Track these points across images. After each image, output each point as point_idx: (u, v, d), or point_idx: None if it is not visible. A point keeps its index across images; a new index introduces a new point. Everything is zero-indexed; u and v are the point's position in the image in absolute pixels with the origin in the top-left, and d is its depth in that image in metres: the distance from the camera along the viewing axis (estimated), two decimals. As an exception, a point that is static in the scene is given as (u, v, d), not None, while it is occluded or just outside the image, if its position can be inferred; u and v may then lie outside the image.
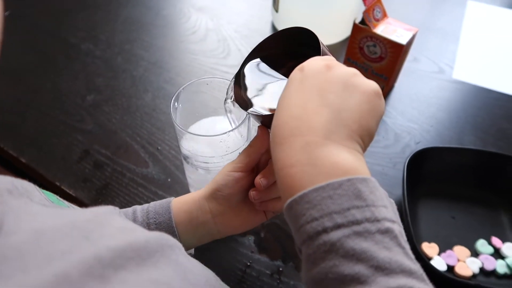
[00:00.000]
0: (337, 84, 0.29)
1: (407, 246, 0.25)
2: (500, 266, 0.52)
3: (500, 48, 0.85)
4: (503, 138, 0.69)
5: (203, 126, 0.51)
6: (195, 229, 0.42)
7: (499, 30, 0.89)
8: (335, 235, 0.24)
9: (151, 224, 0.42)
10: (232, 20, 0.88)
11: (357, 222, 0.24)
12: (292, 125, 0.28)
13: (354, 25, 0.67)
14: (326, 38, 0.78)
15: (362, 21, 0.67)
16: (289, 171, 0.27)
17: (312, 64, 0.31)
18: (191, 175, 0.52)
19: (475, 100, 0.76)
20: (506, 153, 0.59)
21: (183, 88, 0.46)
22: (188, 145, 0.45)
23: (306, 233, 0.25)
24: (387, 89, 0.73)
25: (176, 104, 0.45)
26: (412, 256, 0.25)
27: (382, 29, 0.67)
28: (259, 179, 0.38)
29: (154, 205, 0.43)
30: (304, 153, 0.27)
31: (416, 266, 0.24)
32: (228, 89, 0.42)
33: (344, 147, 0.27)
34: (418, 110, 0.73)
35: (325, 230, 0.24)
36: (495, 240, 0.55)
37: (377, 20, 0.67)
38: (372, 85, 0.30)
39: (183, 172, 0.61)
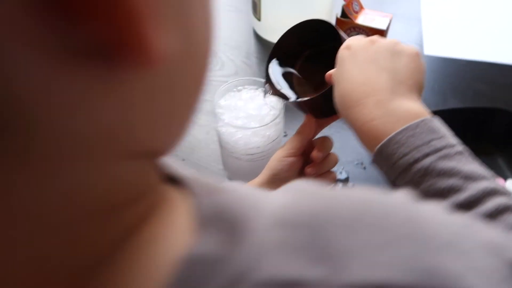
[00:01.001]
0: (385, 52, 0.36)
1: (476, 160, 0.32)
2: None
3: (458, 20, 0.96)
4: (481, 97, 0.79)
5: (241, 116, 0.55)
6: None
7: (454, 5, 1.01)
8: (426, 162, 0.30)
9: None
10: (217, 35, 0.94)
11: (439, 149, 0.30)
12: (360, 90, 0.35)
13: (337, 19, 0.75)
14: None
15: (343, 15, 0.75)
16: (371, 124, 0.33)
17: (357, 41, 0.38)
18: (233, 168, 0.57)
19: (449, 69, 0.85)
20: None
21: (223, 87, 0.52)
22: (232, 139, 0.50)
23: (401, 166, 0.31)
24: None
25: (219, 101, 0.51)
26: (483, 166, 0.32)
27: (362, 19, 0.75)
28: (316, 154, 0.44)
29: None
30: (379, 108, 0.33)
31: (489, 173, 0.31)
32: (265, 87, 0.48)
33: (407, 98, 0.34)
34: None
35: (416, 160, 0.30)
36: (499, 181, 0.63)
37: (356, 12, 0.76)
38: (413, 49, 0.38)
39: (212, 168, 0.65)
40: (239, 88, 0.53)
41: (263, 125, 0.47)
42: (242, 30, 0.95)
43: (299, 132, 0.47)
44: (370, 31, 0.74)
